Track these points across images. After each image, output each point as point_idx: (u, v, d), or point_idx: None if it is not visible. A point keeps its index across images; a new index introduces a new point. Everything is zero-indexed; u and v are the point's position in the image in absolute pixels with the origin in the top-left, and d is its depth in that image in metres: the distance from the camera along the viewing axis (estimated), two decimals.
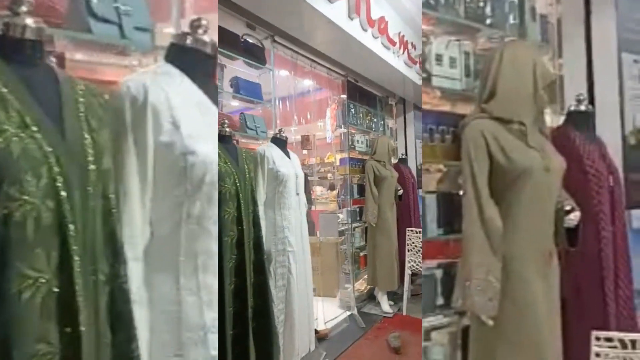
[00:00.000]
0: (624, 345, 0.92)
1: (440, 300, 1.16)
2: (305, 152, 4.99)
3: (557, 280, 1.04)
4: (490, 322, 0.94)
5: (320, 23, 2.09)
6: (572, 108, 1.29)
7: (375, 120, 3.50)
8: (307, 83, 3.05)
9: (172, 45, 0.82)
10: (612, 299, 1.17)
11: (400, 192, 3.11)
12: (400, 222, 3.18)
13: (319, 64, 2.64)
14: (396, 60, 2.83)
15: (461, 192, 1.05)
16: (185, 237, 0.72)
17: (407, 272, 2.94)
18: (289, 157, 1.93)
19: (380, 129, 3.61)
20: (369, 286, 3.15)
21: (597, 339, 0.94)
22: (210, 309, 0.74)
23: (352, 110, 3.14)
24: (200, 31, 0.81)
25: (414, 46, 3.02)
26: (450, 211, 1.14)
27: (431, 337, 1.14)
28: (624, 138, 1.49)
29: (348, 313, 2.87)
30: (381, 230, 2.98)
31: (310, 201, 4.90)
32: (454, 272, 1.10)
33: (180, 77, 0.78)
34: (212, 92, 0.81)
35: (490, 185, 0.98)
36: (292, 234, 1.77)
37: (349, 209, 2.99)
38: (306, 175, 5.33)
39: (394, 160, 3.63)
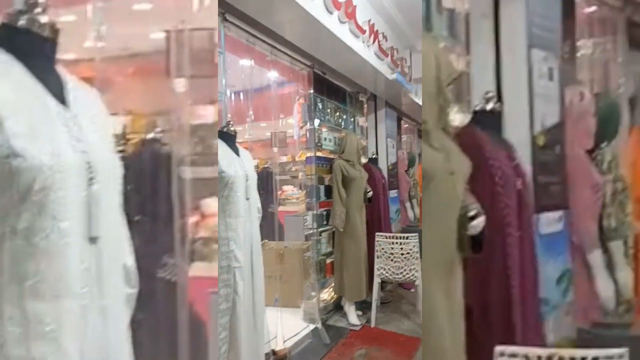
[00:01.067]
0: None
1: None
2: (275, 149, 4.72)
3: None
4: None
5: (280, 1, 1.81)
6: (479, 107, 1.24)
7: (344, 117, 3.27)
8: (271, 75, 2.77)
9: (3, 26, 0.69)
10: (518, 309, 1.13)
11: (370, 194, 2.90)
12: (369, 226, 2.98)
13: (280, 51, 2.36)
14: (366, 50, 2.61)
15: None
16: (9, 256, 0.60)
17: (376, 280, 2.73)
18: (238, 155, 1.64)
19: (350, 126, 3.38)
20: (336, 295, 2.92)
21: (502, 354, 0.90)
22: (44, 343, 0.60)
23: (320, 105, 2.89)
24: (37, 10, 0.69)
25: (385, 37, 2.81)
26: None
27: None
28: (533, 138, 1.44)
29: (312, 327, 2.62)
30: (349, 235, 2.75)
31: (276, 202, 4.63)
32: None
33: (9, 63, 0.66)
34: (53, 83, 0.70)
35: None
36: (239, 247, 1.49)
37: (315, 212, 2.74)
38: (270, 174, 5.01)
39: (363, 160, 3.43)
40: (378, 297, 2.93)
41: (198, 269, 1.23)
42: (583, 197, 1.57)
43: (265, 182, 4.45)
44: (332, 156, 2.99)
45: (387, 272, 2.69)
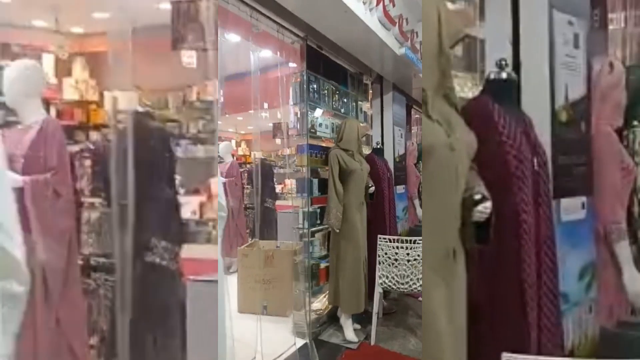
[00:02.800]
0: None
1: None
2: (278, 141, 4.33)
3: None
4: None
5: None
6: (492, 76, 1.12)
7: (345, 100, 2.85)
8: (264, 55, 2.39)
9: None
10: (533, 308, 1.02)
11: (372, 189, 2.49)
12: (371, 226, 2.58)
13: (264, 15, 1.95)
14: (368, 15, 2.17)
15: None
16: None
17: (378, 290, 2.34)
18: None
19: (352, 113, 2.96)
20: (330, 305, 2.54)
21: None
22: None
23: (314, 85, 2.47)
24: None
25: (392, 1, 2.36)
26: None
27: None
28: (554, 113, 1.27)
29: (301, 342, 2.25)
30: (346, 236, 2.36)
31: (274, 196, 4.24)
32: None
33: None
34: None
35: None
36: None
37: (307, 209, 2.35)
38: (269, 167, 4.60)
39: (366, 151, 3.01)
40: (379, 309, 2.54)
41: (195, 252, 1.18)
42: (610, 181, 1.40)
43: (264, 175, 4.10)
44: (328, 145, 2.59)
45: (389, 281, 2.29)
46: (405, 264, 2.26)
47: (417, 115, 5.93)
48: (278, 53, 2.35)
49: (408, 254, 2.25)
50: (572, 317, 1.30)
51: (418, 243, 2.31)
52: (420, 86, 3.51)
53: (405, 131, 3.59)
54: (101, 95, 1.30)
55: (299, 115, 2.37)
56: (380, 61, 2.91)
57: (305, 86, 2.32)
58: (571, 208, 1.31)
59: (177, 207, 1.17)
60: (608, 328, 1.38)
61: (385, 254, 2.30)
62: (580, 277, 1.35)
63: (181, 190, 1.20)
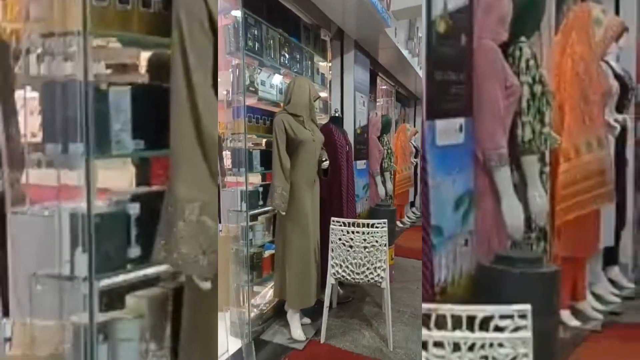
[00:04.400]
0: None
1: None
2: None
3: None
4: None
5: None
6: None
7: (296, 57, 2.37)
8: None
9: None
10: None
11: (326, 164, 2.09)
12: (326, 208, 2.22)
13: None
14: None
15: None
16: None
17: (330, 281, 2.01)
18: None
19: (307, 73, 2.50)
20: (277, 299, 2.19)
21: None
22: None
23: (255, 31, 1.96)
24: None
25: None
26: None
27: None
28: (430, 24, 1.52)
29: (240, 343, 1.89)
30: (295, 220, 1.98)
31: (222, 172, 3.73)
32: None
33: None
34: None
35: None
36: None
37: (245, 188, 1.91)
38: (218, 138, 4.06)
39: (321, 119, 2.59)
40: (331, 301, 2.23)
41: None
42: (491, 101, 1.31)
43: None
44: (272, 109, 2.13)
45: (343, 271, 1.97)
46: (362, 251, 1.93)
47: (384, 87, 5.55)
48: None
49: (365, 240, 1.93)
50: (445, 251, 1.21)
51: (376, 227, 1.98)
52: (388, 47, 3.08)
53: (368, 99, 3.20)
54: None
55: (234, 71, 1.86)
56: (342, 11, 2.43)
57: (242, 31, 1.81)
58: (447, 131, 1.22)
59: None
60: (484, 264, 1.26)
61: (339, 239, 1.95)
62: (456, 207, 1.25)
63: None
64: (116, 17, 0.91)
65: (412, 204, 5.60)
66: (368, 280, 1.96)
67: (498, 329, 0.85)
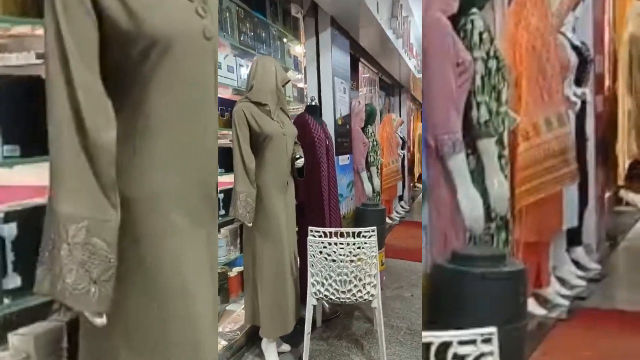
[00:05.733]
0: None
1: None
2: None
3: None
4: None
5: None
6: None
7: (262, 35, 1.99)
8: None
9: None
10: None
11: (301, 161, 1.74)
12: (305, 213, 1.88)
13: None
14: None
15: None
16: None
17: (310, 301, 1.68)
18: None
19: (276, 55, 2.12)
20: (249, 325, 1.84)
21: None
22: None
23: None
24: None
25: None
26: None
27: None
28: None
29: None
30: (264, 232, 1.63)
31: None
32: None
33: None
34: None
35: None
36: None
37: None
38: None
39: (297, 110, 2.24)
40: (315, 320, 1.91)
41: None
42: (442, 81, 1.22)
43: None
44: (233, 98, 1.76)
45: (326, 290, 1.64)
46: (347, 266, 1.60)
47: (366, 75, 5.20)
48: None
49: (351, 252, 1.60)
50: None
51: (364, 236, 1.66)
52: (368, 25, 2.74)
53: (349, 86, 2.85)
54: None
55: None
56: None
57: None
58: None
59: None
60: (440, 263, 1.18)
61: (320, 252, 1.62)
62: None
63: None
64: None
65: (401, 198, 5.34)
66: (356, 300, 1.64)
67: (457, 357, 0.76)
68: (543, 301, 1.80)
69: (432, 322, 1.19)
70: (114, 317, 0.64)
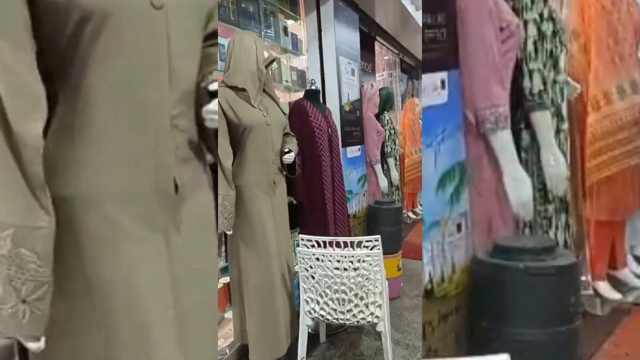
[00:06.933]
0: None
1: None
2: None
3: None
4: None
5: None
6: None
7: (249, 10, 1.72)
8: None
9: None
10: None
11: (291, 156, 1.46)
12: (304, 215, 1.62)
13: None
14: None
15: None
16: None
17: (304, 321, 1.43)
18: None
19: (270, 33, 1.85)
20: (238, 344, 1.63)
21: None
22: None
23: None
24: None
25: None
26: None
27: None
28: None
29: None
30: (248, 241, 1.39)
31: None
32: None
33: None
34: None
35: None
36: None
37: None
38: None
39: (282, 92, 1.95)
40: (318, 334, 1.66)
41: None
42: (483, 48, 1.07)
43: None
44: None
45: (322, 309, 1.38)
46: (346, 282, 1.33)
47: (387, 57, 4.76)
48: None
49: (350, 265, 1.32)
50: (424, 243, 1.04)
51: (365, 246, 1.36)
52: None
53: (359, 67, 2.50)
54: None
55: None
56: None
57: None
58: (425, 89, 1.04)
59: None
60: (481, 257, 1.06)
61: (311, 267, 1.35)
62: (441, 186, 1.04)
63: None
64: None
65: None
66: (357, 321, 1.37)
67: None
68: (618, 284, 1.67)
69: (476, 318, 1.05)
70: (56, 337, 0.57)
